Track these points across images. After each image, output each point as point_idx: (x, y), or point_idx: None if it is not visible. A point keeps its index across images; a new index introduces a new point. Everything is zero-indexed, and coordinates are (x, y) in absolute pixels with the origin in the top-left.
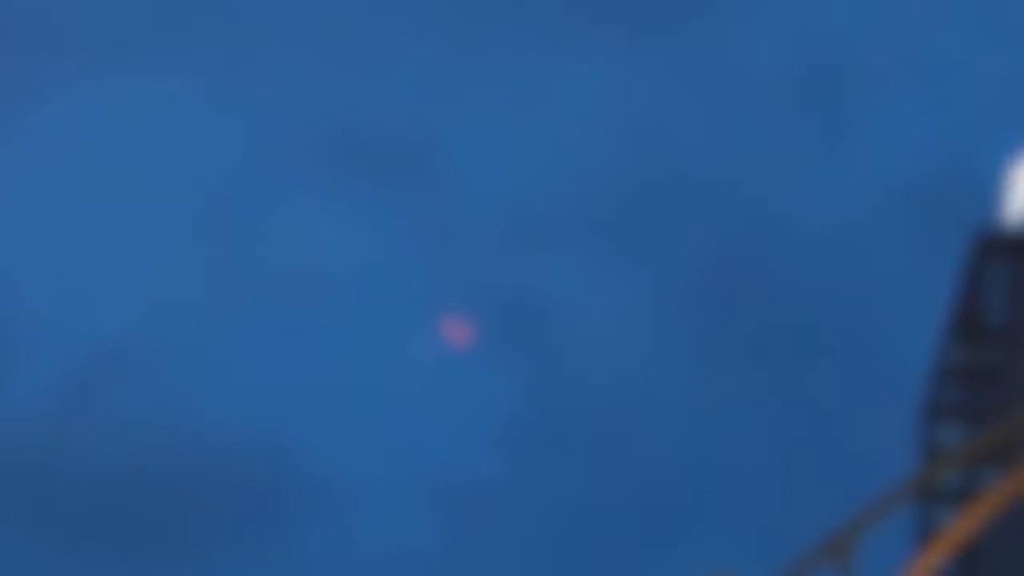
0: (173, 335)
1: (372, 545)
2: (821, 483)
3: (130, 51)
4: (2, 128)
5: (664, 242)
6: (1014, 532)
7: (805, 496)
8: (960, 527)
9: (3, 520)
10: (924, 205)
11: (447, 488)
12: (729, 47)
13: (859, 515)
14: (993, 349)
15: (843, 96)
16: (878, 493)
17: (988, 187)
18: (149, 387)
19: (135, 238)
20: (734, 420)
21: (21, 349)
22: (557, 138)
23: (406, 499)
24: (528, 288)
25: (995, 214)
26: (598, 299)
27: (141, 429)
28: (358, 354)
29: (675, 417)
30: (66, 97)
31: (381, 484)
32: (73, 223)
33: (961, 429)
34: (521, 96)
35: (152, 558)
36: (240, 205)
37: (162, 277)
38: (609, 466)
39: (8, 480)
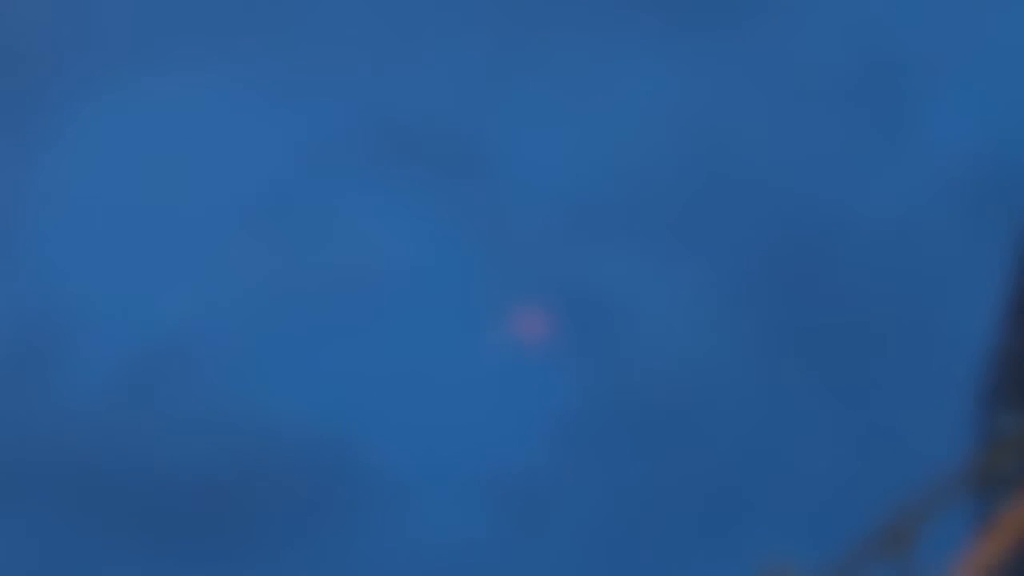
0: (231, 330)
1: (432, 537)
2: (879, 472)
3: (177, 48)
4: (55, 124)
5: (725, 235)
6: None
7: (863, 486)
8: (1021, 515)
9: (63, 520)
10: (986, 196)
11: (506, 481)
12: (788, 40)
13: (919, 504)
14: None
15: (902, 89)
16: (937, 482)
17: None
18: (208, 382)
19: (190, 233)
20: (794, 411)
21: (78, 346)
22: (614, 131)
23: (465, 492)
24: (588, 282)
25: None
26: (659, 293)
27: (200, 424)
28: (417, 349)
29: (735, 408)
30: (113, 92)
31: (442, 478)
32: (127, 218)
33: (1021, 416)
34: (577, 88)
35: (210, 551)
36: (295, 199)
37: (218, 272)
38: (667, 458)
39: (67, 479)
